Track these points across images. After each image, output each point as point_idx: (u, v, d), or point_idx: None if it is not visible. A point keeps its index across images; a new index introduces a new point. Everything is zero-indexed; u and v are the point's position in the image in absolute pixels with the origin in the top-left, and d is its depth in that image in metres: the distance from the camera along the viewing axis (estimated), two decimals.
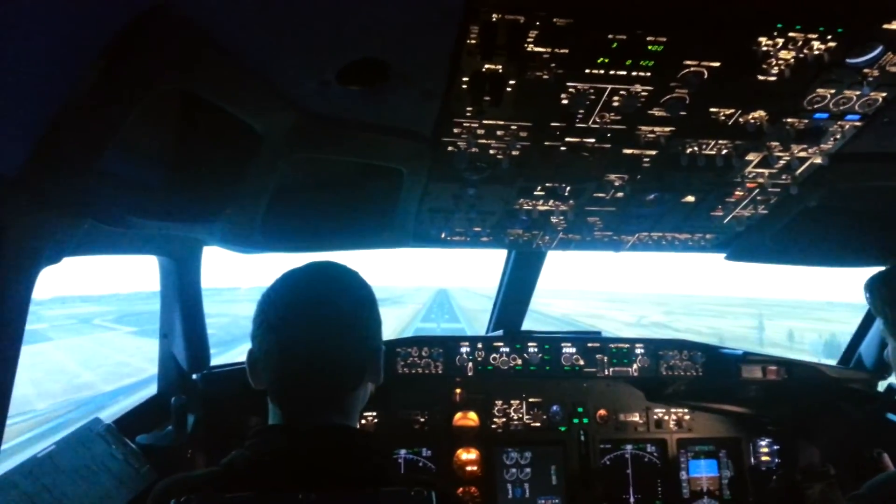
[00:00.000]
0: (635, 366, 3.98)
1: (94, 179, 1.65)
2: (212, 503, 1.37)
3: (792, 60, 1.84)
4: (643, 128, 2.24)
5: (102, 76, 1.38)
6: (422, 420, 3.95)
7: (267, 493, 1.41)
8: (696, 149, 2.38)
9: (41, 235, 1.62)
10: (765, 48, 1.79)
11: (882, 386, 3.95)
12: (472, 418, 3.96)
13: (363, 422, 3.86)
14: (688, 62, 1.85)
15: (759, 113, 2.16)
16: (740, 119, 2.19)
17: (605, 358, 3.99)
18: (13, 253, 1.53)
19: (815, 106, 2.12)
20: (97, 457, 2.79)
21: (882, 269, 2.77)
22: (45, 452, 2.63)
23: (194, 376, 3.38)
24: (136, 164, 1.97)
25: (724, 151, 2.41)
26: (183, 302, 3.27)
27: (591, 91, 1.98)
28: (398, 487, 1.49)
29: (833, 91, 2.03)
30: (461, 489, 3.85)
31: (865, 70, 1.89)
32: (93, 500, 2.64)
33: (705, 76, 1.90)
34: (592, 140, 2.30)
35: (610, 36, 1.73)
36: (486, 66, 1.85)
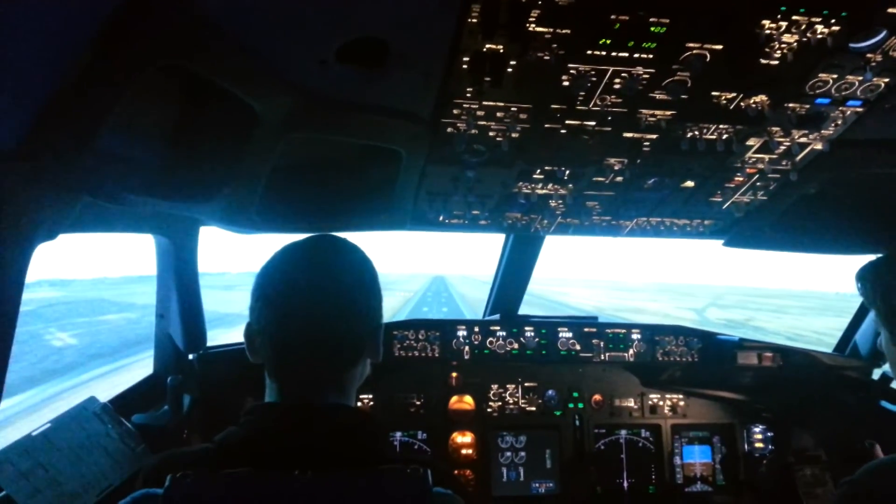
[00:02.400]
0: (631, 351, 4.01)
1: (93, 156, 1.64)
2: (207, 480, 1.36)
3: (795, 44, 1.83)
4: (644, 111, 2.23)
5: (101, 52, 1.37)
6: (418, 403, 3.97)
7: (263, 470, 1.41)
8: (696, 133, 2.37)
9: (38, 211, 1.60)
10: (768, 32, 1.78)
11: (877, 374, 3.98)
12: (467, 402, 3.98)
13: (359, 404, 3.87)
14: (690, 45, 1.84)
15: (761, 97, 2.15)
16: (741, 103, 2.18)
17: (602, 343, 4.01)
18: (10, 228, 1.51)
19: (817, 91, 2.11)
20: (93, 436, 2.79)
21: (875, 257, 2.77)
22: (41, 431, 2.63)
23: (190, 356, 3.38)
24: (134, 141, 1.95)
25: (724, 136, 2.40)
26: (179, 282, 3.26)
27: (593, 73, 1.97)
28: (394, 465, 1.49)
29: (835, 76, 2.02)
30: (456, 472, 3.86)
31: (868, 55, 1.88)
32: (88, 479, 2.64)
33: (707, 59, 1.89)
34: (593, 123, 2.29)
35: (612, 16, 1.71)
36: (487, 46, 1.84)
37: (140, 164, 2.03)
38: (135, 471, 2.81)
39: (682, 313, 58.21)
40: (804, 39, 1.80)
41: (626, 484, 4.06)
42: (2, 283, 1.54)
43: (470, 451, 3.93)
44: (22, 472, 2.45)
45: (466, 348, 3.94)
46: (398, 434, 3.94)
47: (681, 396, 4.19)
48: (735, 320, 53.33)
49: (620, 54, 1.88)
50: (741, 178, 2.80)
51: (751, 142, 2.47)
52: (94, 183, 1.80)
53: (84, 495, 2.60)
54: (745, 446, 4.18)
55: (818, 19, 1.73)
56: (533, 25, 1.73)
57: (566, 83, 2.02)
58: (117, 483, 2.73)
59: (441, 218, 3.25)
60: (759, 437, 4.19)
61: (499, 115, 2.24)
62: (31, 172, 1.52)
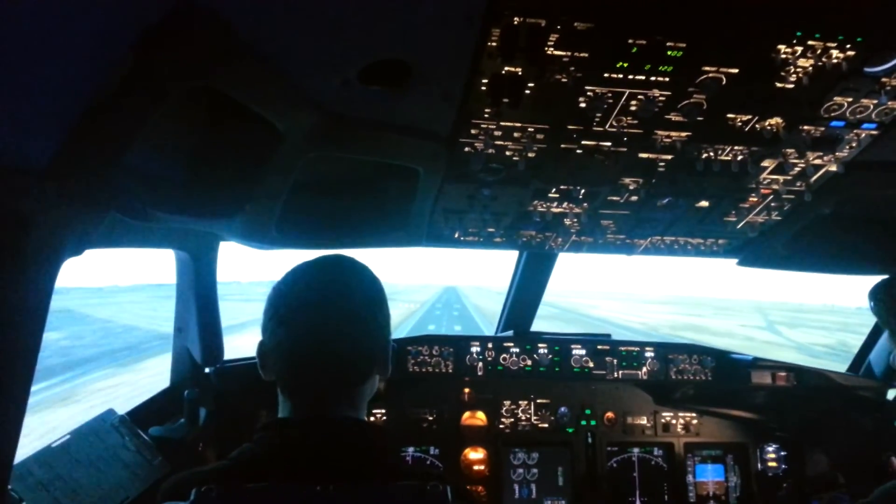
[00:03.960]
0: (644, 369, 3.99)
1: (121, 174, 1.68)
2: (232, 493, 1.38)
3: (810, 68, 1.85)
4: (660, 132, 2.25)
5: (131, 72, 1.41)
6: (430, 419, 3.97)
7: (285, 484, 1.43)
8: (711, 154, 2.39)
9: (66, 227, 1.64)
10: (784, 56, 1.80)
11: (892, 394, 3.95)
12: (480, 418, 3.98)
13: (371, 419, 3.88)
14: (706, 68, 1.87)
15: (776, 120, 2.17)
16: (757, 125, 2.20)
17: (615, 360, 4.00)
18: (39, 243, 1.55)
19: (832, 114, 2.13)
20: (110, 448, 2.82)
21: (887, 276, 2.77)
22: (60, 443, 2.67)
23: (207, 370, 3.42)
24: (160, 159, 2.00)
25: (739, 157, 2.41)
26: (198, 296, 3.30)
27: (609, 95, 2.00)
28: (413, 481, 1.51)
29: (850, 99, 2.04)
30: (468, 487, 3.86)
31: (883, 79, 1.90)
32: (106, 491, 2.67)
33: (723, 82, 1.91)
34: (609, 143, 2.32)
35: (630, 41, 1.74)
36: (506, 68, 1.87)
37: (165, 182, 2.07)
38: (152, 483, 2.83)
39: (753, 333, 51.87)
40: (820, 63, 1.82)
41: (638, 502, 4.04)
42: (30, 297, 1.57)
43: (482, 468, 3.93)
44: (41, 482, 2.48)
45: (480, 364, 3.95)
46: (410, 449, 3.93)
47: (694, 415, 4.17)
48: (832, 345, 39.12)
49: (637, 77, 1.90)
50: (755, 199, 2.81)
51: (765, 163, 2.48)
52: (121, 200, 1.84)
53: None
54: (759, 465, 4.15)
55: (833, 44, 1.75)
56: (551, 49, 1.76)
57: (583, 105, 2.05)
58: (135, 495, 2.75)
59: (456, 235, 3.28)
60: (773, 456, 4.17)
61: (516, 135, 2.26)
62: (61, 190, 1.56)
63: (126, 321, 45.48)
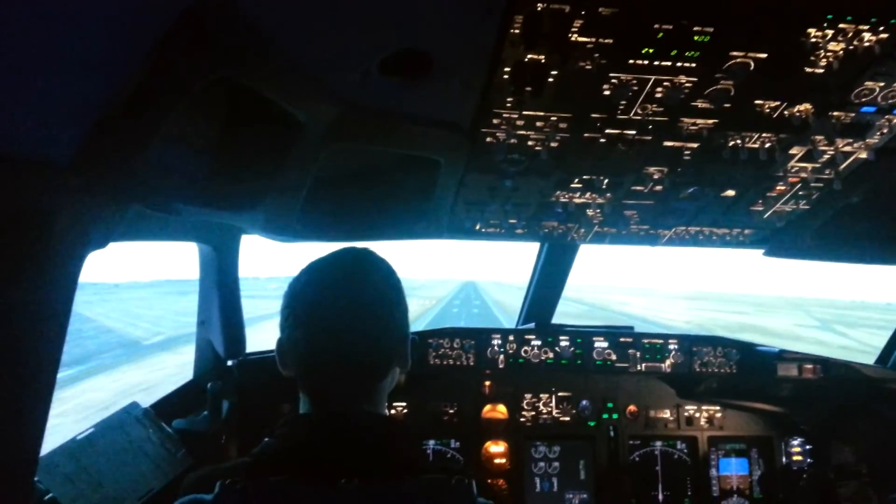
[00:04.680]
0: (668, 361, 3.96)
1: (143, 167, 1.68)
2: (256, 487, 1.38)
3: (841, 53, 1.80)
4: (686, 120, 2.21)
5: (154, 67, 1.41)
6: (451, 412, 3.97)
7: (309, 478, 1.42)
8: (738, 142, 2.35)
9: (90, 220, 1.65)
10: (814, 40, 1.75)
11: None
12: (500, 411, 3.98)
13: (392, 412, 3.89)
14: (734, 53, 1.82)
15: (805, 106, 2.12)
16: (785, 112, 2.15)
17: (638, 353, 3.97)
18: (63, 237, 1.56)
19: (863, 99, 2.07)
20: (134, 440, 2.85)
21: None
22: (85, 435, 2.70)
23: (230, 363, 3.44)
24: (182, 151, 2.00)
25: (767, 145, 2.37)
26: (221, 289, 3.32)
27: (635, 82, 1.96)
28: (437, 475, 1.50)
29: (882, 84, 1.98)
30: (489, 481, 3.86)
31: None
32: (129, 482, 2.70)
33: (751, 68, 1.87)
34: (633, 132, 2.28)
35: (656, 26, 1.70)
36: (529, 56, 1.84)
37: (187, 174, 2.07)
38: (175, 476, 2.85)
39: (816, 334, 48.63)
40: (851, 47, 1.78)
41: (661, 496, 4.02)
42: (55, 289, 1.58)
43: (503, 461, 3.92)
44: (67, 475, 2.51)
45: (501, 357, 3.94)
46: (431, 442, 3.94)
47: (718, 408, 4.13)
48: None
49: (663, 63, 1.86)
50: (783, 187, 2.76)
51: (794, 150, 2.43)
52: (144, 193, 1.85)
53: (126, 499, 2.65)
54: (784, 459, 4.11)
55: (866, 27, 1.70)
56: (575, 35, 1.73)
57: (607, 92, 2.01)
58: (158, 487, 2.78)
59: (478, 227, 3.25)
60: (798, 450, 4.12)
61: (538, 124, 2.24)
62: (85, 183, 1.56)
63: (109, 323, 43.90)
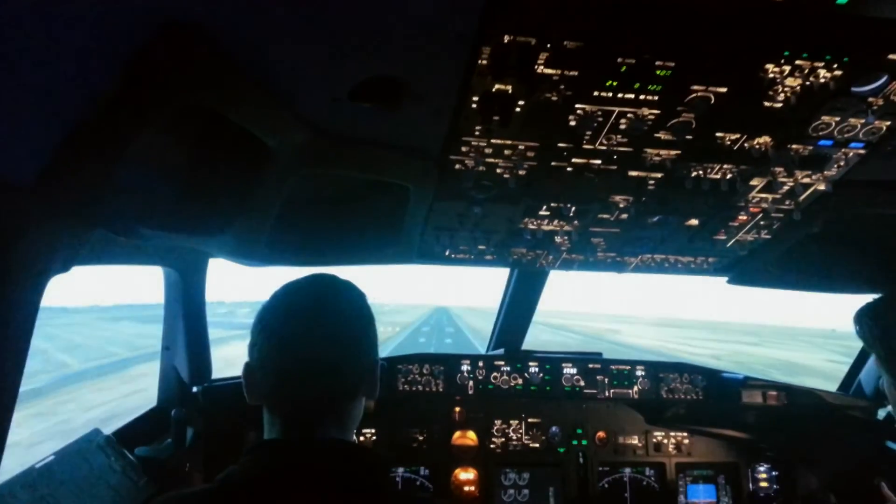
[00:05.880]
0: (636, 388, 3.99)
1: (109, 191, 1.66)
2: None
3: (798, 88, 1.86)
4: (649, 150, 2.26)
5: (120, 90, 1.40)
6: (420, 438, 3.94)
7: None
8: (700, 172, 2.40)
9: (54, 244, 1.63)
10: (771, 75, 1.81)
11: (882, 414, 3.96)
12: (471, 437, 3.95)
13: (361, 438, 3.85)
14: (695, 87, 1.87)
15: (765, 138, 2.18)
16: (745, 144, 2.21)
17: (606, 379, 4.00)
18: (26, 260, 1.54)
19: (820, 133, 2.14)
20: (96, 469, 2.77)
21: (874, 297, 2.76)
22: (44, 464, 2.62)
23: (195, 389, 3.38)
24: (148, 175, 1.98)
25: (728, 176, 2.42)
26: (186, 314, 3.28)
27: (599, 113, 2.00)
28: (404, 500, 1.49)
29: (838, 119, 2.05)
30: None
31: (870, 99, 1.91)
32: None
33: (712, 101, 1.92)
34: (599, 161, 2.32)
35: (619, 59, 1.75)
36: (497, 86, 1.87)
37: (154, 198, 2.06)
38: None
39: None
40: (807, 83, 1.84)
41: None
42: (16, 315, 1.55)
43: (472, 489, 3.89)
44: None
45: (470, 383, 3.93)
46: (400, 470, 3.90)
47: (685, 434, 4.16)
48: None
49: (627, 95, 1.91)
50: (745, 217, 2.82)
51: (754, 181, 2.49)
52: (109, 217, 1.83)
53: None
54: (751, 486, 4.14)
55: (821, 64, 1.76)
56: (541, 67, 1.77)
57: (573, 123, 2.05)
58: None
59: (447, 252, 3.27)
60: (765, 476, 4.15)
61: (506, 152, 2.27)
62: (49, 206, 1.55)
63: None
